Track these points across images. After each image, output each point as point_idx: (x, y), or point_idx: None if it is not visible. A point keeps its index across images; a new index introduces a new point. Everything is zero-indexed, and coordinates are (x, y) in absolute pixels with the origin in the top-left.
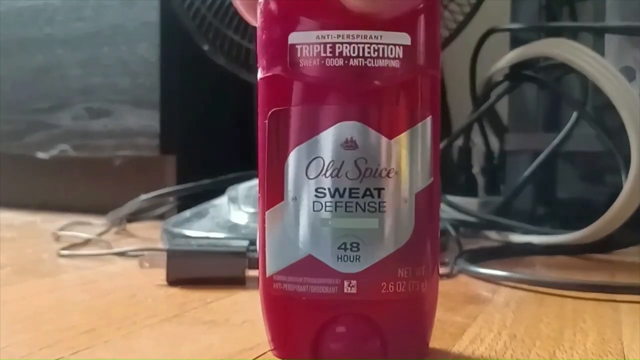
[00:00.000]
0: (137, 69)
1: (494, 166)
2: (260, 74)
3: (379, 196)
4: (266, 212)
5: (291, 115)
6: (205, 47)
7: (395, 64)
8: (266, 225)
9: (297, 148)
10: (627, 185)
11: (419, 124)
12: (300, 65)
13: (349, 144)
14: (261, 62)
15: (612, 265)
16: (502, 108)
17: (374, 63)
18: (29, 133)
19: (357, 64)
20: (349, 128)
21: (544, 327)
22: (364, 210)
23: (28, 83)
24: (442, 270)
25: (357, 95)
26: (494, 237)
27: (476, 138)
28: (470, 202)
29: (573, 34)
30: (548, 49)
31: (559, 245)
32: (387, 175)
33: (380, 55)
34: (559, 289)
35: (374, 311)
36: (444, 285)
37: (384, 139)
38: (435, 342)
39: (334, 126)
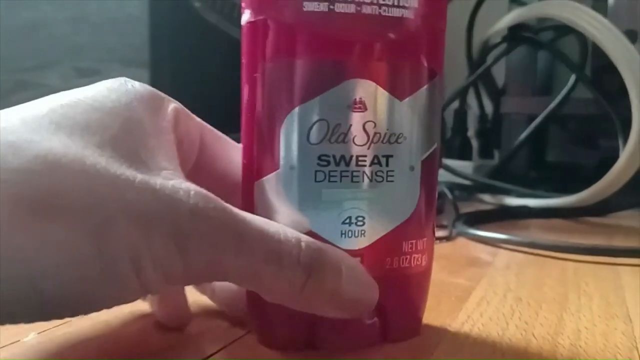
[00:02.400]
0: (126, 27)
1: (489, 129)
2: (247, 16)
3: (387, 164)
4: (255, 183)
5: (290, 70)
6: (197, 4)
7: (410, 14)
8: (257, 198)
9: (296, 109)
10: (628, 148)
11: (430, 84)
12: (304, 9)
13: (357, 106)
14: (249, 0)
15: (608, 228)
16: (498, 71)
17: (389, 12)
18: (16, 92)
19: (370, 12)
20: (358, 87)
21: (547, 290)
22: (370, 180)
23: (14, 41)
24: (441, 233)
25: (369, 49)
26: (488, 200)
27: (471, 101)
28: (464, 165)
29: None
30: (550, 10)
31: (555, 208)
32: (396, 140)
33: (396, 3)
34: (560, 252)
35: (379, 289)
36: (444, 248)
37: (395, 100)
38: (444, 304)
39: (341, 84)
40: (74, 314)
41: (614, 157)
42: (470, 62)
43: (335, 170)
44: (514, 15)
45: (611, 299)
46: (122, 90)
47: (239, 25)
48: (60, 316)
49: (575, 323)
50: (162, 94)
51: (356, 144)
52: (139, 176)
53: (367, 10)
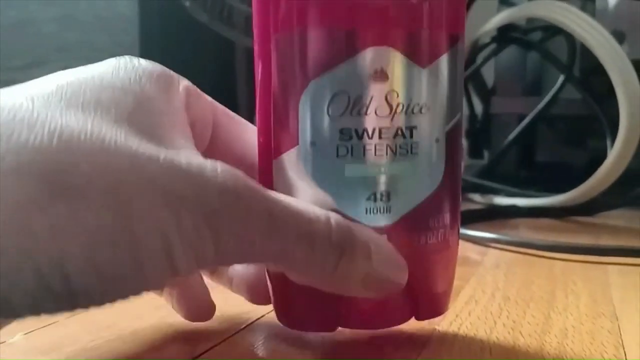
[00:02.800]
0: (116, 26)
1: (478, 129)
2: None
3: (411, 136)
4: (273, 161)
5: (306, 40)
6: (187, 4)
7: None
8: (275, 176)
9: (314, 81)
10: (615, 148)
11: (451, 50)
12: None
13: (378, 75)
14: None
15: (596, 227)
16: (488, 71)
17: None
18: None
19: None
20: (379, 55)
21: (536, 289)
22: (395, 154)
23: (1, 40)
24: None
25: (388, 15)
26: (478, 199)
27: None
28: None
29: None
30: (539, 11)
31: (544, 207)
32: (420, 111)
33: None
34: (548, 252)
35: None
36: None
37: (417, 68)
38: None
39: (360, 53)
40: (100, 302)
41: (602, 157)
42: None
43: (358, 144)
44: (503, 16)
45: (598, 298)
46: (129, 67)
47: (229, 25)
48: (86, 305)
49: (562, 321)
50: (172, 72)
51: (379, 116)
52: (163, 152)
53: None
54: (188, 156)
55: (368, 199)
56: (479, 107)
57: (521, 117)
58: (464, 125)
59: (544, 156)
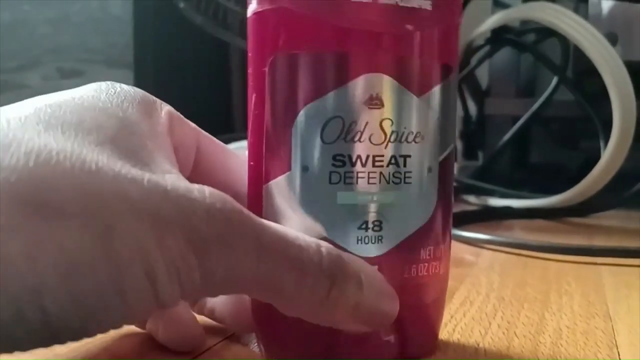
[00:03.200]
0: (110, 27)
1: (473, 131)
2: (254, 6)
3: (404, 165)
4: (265, 186)
5: (302, 63)
6: (181, 5)
7: (427, 5)
8: (265, 202)
9: (309, 105)
10: (609, 149)
11: (445, 80)
12: None
13: (373, 102)
14: None
15: (589, 228)
16: (482, 73)
17: (406, 2)
18: None
19: (388, 1)
20: (374, 82)
21: (530, 289)
22: (387, 182)
23: None
24: None
25: (386, 42)
26: (472, 201)
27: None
28: None
29: None
30: (532, 13)
31: (538, 208)
32: (414, 140)
33: None
34: (542, 252)
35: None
36: None
37: (413, 97)
38: None
39: (356, 79)
40: (79, 336)
41: (596, 158)
42: None
43: (351, 172)
44: (497, 18)
45: (592, 298)
46: (111, 91)
47: (223, 27)
48: (63, 339)
49: (556, 322)
50: (154, 97)
51: (373, 143)
52: (147, 175)
53: (384, 0)
54: (173, 180)
55: (359, 227)
56: (473, 109)
57: (515, 119)
58: (459, 126)
59: (538, 157)
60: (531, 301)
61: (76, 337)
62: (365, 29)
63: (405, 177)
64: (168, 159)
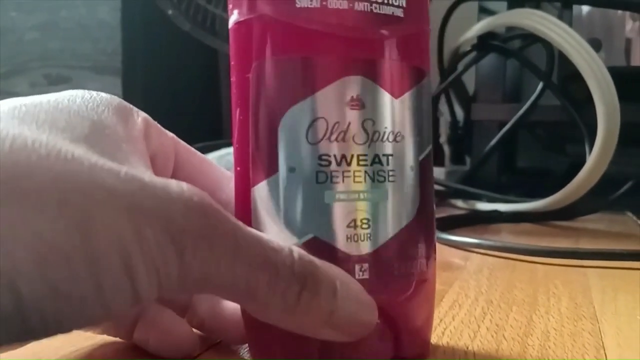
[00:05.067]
0: (98, 33)
1: (460, 136)
2: (236, 17)
3: (387, 163)
4: (252, 189)
5: (284, 68)
6: (169, 12)
7: (399, 12)
8: (253, 204)
9: (293, 108)
10: (594, 154)
11: (421, 82)
12: (297, 5)
13: (354, 103)
14: (236, 1)
15: (575, 231)
16: (469, 79)
17: (379, 9)
18: None
19: (362, 9)
20: (354, 84)
21: (518, 292)
22: (373, 180)
23: None
24: None
25: (363, 46)
26: (460, 205)
27: (442, 108)
28: (437, 171)
29: (536, 4)
30: (518, 20)
31: (524, 212)
32: (395, 139)
33: (386, 1)
34: (530, 256)
35: (387, 300)
36: None
37: (391, 98)
38: None
39: (337, 81)
40: (54, 329)
41: (581, 162)
42: (441, 70)
43: (337, 171)
44: (483, 24)
45: (579, 300)
46: (87, 97)
47: (212, 33)
48: (38, 332)
49: (544, 324)
50: (130, 105)
51: (356, 143)
52: (124, 168)
53: (359, 6)
54: (150, 174)
55: (348, 225)
56: (460, 114)
57: (502, 124)
58: (446, 131)
59: (525, 162)
60: (519, 304)
61: (51, 331)
62: (343, 34)
63: (389, 176)
64: (143, 162)
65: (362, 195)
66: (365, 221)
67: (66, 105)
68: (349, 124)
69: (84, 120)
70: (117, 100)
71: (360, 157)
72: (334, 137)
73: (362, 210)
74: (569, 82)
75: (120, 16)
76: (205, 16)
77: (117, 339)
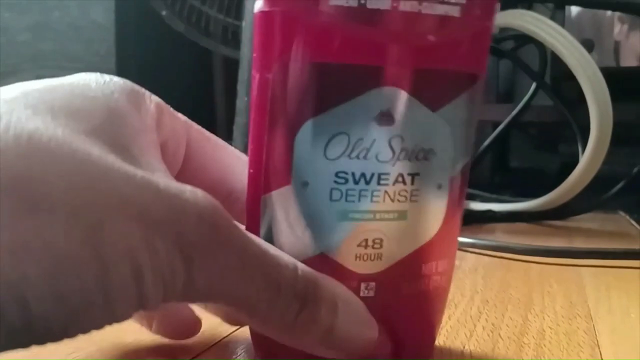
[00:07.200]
0: (91, 34)
1: None
2: (260, 4)
3: (412, 183)
4: (263, 197)
5: (309, 73)
6: (163, 13)
7: (455, 11)
8: (262, 213)
9: (314, 119)
10: (586, 153)
11: (469, 91)
12: (330, 3)
13: (384, 118)
14: None
15: (569, 231)
16: None
17: (431, 9)
18: None
19: (409, 9)
20: (386, 96)
21: (513, 291)
22: (392, 200)
23: None
24: None
25: (403, 53)
26: None
27: None
28: None
29: (528, 5)
30: (510, 20)
31: (518, 212)
32: (425, 157)
33: None
34: (524, 255)
35: (392, 314)
36: None
37: (428, 112)
38: None
39: (366, 93)
40: (59, 336)
41: (574, 162)
42: None
43: (354, 189)
44: None
45: (574, 299)
46: (100, 81)
47: (206, 34)
48: (43, 339)
49: (539, 323)
50: (143, 89)
51: (379, 161)
52: (140, 172)
53: (405, 6)
54: (164, 179)
55: (359, 245)
56: None
57: (495, 124)
58: None
59: (518, 162)
60: (514, 303)
61: (56, 338)
62: (381, 38)
63: (411, 196)
64: (155, 156)
65: (377, 216)
66: (377, 241)
67: (81, 90)
68: (374, 141)
69: (100, 107)
70: (129, 85)
71: (382, 177)
72: (354, 154)
73: (376, 230)
74: (562, 82)
75: (113, 17)
76: (199, 17)
77: (117, 339)
